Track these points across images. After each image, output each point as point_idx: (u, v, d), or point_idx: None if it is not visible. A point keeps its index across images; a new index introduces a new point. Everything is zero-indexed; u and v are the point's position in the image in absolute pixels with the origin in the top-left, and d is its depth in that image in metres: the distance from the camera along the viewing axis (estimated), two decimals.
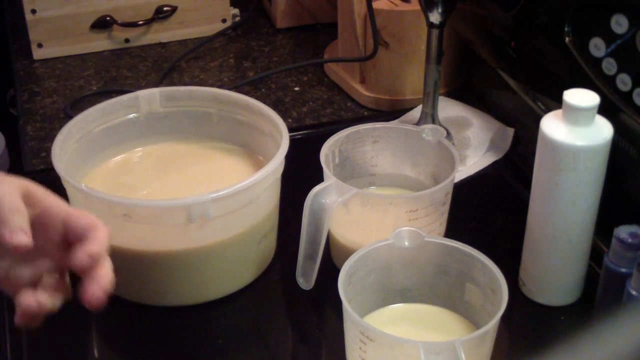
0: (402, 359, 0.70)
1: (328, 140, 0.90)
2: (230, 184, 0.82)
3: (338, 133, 0.91)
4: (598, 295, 0.83)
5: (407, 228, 0.78)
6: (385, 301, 0.82)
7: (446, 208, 0.88)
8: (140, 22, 1.33)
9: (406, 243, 0.78)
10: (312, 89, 1.25)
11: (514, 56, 1.00)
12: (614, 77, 0.84)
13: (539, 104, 0.99)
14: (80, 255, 0.65)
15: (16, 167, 1.23)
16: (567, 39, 0.89)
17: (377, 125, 0.93)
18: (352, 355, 0.74)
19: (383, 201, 0.85)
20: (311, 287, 0.84)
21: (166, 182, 0.96)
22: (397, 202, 0.86)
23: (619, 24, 0.82)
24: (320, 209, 0.82)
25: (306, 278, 0.84)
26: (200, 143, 1.01)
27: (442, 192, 0.86)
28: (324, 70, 1.28)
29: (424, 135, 0.91)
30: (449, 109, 1.15)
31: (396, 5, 1.14)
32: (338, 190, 0.83)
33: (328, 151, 0.89)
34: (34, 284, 0.66)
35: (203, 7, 1.36)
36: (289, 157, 0.88)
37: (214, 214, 0.82)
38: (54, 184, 0.86)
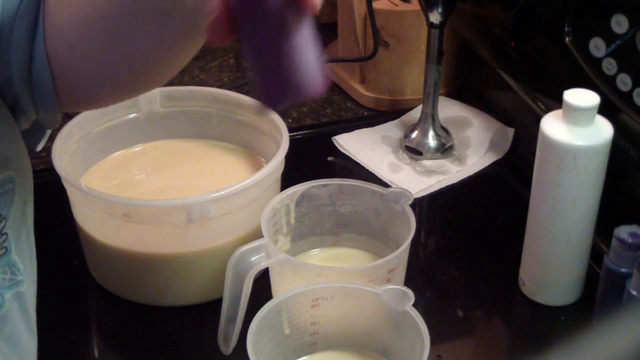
0: None
1: (279, 195, 0.84)
2: (230, 184, 0.82)
3: (291, 188, 0.85)
4: (598, 295, 0.83)
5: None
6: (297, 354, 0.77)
7: (396, 282, 0.80)
8: None
9: None
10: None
11: (514, 56, 1.00)
12: (614, 77, 0.84)
13: (539, 104, 0.99)
14: None
15: None
16: (567, 39, 0.89)
17: (336, 182, 0.86)
18: None
19: (311, 271, 0.78)
20: (230, 352, 0.78)
21: (166, 182, 0.96)
22: (327, 274, 0.77)
23: (619, 24, 0.82)
24: (245, 270, 0.76)
25: (226, 342, 0.78)
26: (200, 143, 1.01)
27: (383, 268, 0.78)
28: None
29: (388, 198, 0.84)
30: (449, 109, 1.15)
31: (396, 5, 1.14)
32: (267, 252, 0.78)
33: (279, 206, 0.83)
34: None
35: None
36: (289, 157, 0.88)
37: (214, 214, 0.82)
38: (54, 184, 0.87)
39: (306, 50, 0.46)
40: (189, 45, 0.62)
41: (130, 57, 0.60)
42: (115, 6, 0.57)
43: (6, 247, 0.64)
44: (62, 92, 0.62)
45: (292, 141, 0.89)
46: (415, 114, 1.12)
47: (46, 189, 0.91)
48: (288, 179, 0.90)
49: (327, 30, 1.37)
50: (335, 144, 1.10)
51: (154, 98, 0.98)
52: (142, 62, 0.62)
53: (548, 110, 0.85)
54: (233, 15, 0.45)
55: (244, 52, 0.47)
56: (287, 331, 0.75)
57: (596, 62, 0.86)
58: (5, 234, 0.63)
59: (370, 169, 1.07)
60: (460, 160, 1.08)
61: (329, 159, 1.09)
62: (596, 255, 0.86)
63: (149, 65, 0.62)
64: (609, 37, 0.84)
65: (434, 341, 0.69)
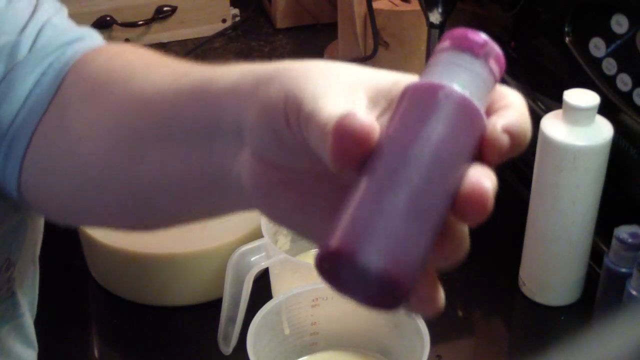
0: None
1: None
2: None
3: None
4: (598, 295, 0.83)
5: None
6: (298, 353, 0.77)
7: None
8: (140, 22, 1.33)
9: None
10: None
11: (514, 56, 1.00)
12: (614, 77, 0.84)
13: (539, 104, 0.99)
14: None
15: None
16: (567, 39, 0.89)
17: None
18: None
19: (312, 271, 0.78)
20: (230, 352, 0.78)
21: None
22: None
23: (619, 24, 0.82)
24: (245, 270, 0.76)
25: (226, 342, 0.78)
26: None
27: None
28: None
29: None
30: None
31: (396, 5, 1.14)
32: (267, 252, 0.77)
33: None
34: None
35: (203, 7, 1.36)
36: None
37: None
38: None
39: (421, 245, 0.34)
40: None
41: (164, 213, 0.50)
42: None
43: (13, 291, 0.63)
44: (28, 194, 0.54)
45: None
46: None
47: None
48: None
49: (327, 30, 1.38)
50: None
51: None
52: (172, 220, 0.52)
53: (548, 110, 0.85)
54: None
55: (355, 182, 0.34)
56: (287, 331, 0.75)
57: (596, 62, 0.86)
58: (13, 279, 0.62)
59: None
60: None
61: None
62: (596, 255, 0.86)
63: (175, 222, 0.52)
64: (609, 37, 0.84)
65: (434, 341, 0.69)
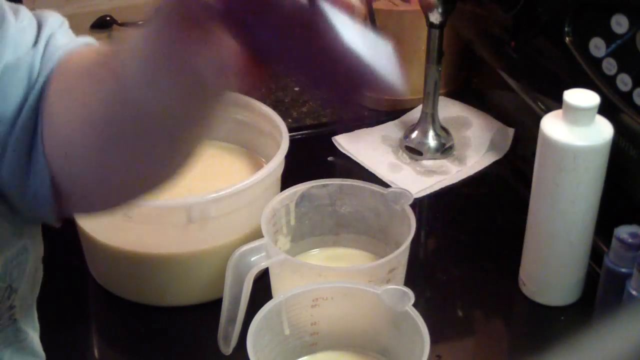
0: None
1: (279, 195, 0.84)
2: (230, 184, 0.82)
3: (291, 188, 0.85)
4: (598, 295, 0.83)
5: None
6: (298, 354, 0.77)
7: (396, 282, 0.80)
8: (140, 22, 1.32)
9: None
10: (312, 89, 1.25)
11: (514, 56, 1.00)
12: (614, 77, 0.84)
13: (539, 104, 0.99)
14: None
15: None
16: (567, 39, 0.89)
17: (336, 182, 0.86)
18: None
19: (312, 271, 0.78)
20: (230, 352, 0.79)
21: None
22: (327, 274, 0.77)
23: (619, 24, 0.82)
24: (245, 270, 0.76)
25: (226, 342, 0.78)
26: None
27: (384, 268, 0.78)
28: None
29: (388, 198, 0.84)
30: (449, 109, 1.15)
31: (396, 5, 1.14)
32: (267, 252, 0.78)
33: (279, 206, 0.83)
34: None
35: None
36: (289, 157, 0.88)
37: (214, 214, 0.82)
38: None
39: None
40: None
41: (123, 169, 0.56)
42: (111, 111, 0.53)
43: (15, 319, 0.63)
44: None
45: (292, 141, 0.89)
46: (415, 114, 1.12)
47: None
48: (288, 179, 0.90)
49: None
50: (335, 144, 1.10)
51: None
52: (135, 176, 0.57)
53: (548, 110, 0.85)
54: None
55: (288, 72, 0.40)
56: (287, 331, 0.75)
57: (596, 62, 0.86)
58: (15, 306, 0.62)
59: (370, 169, 1.07)
60: (460, 160, 1.08)
61: (329, 159, 1.09)
62: (596, 255, 0.86)
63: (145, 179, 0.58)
64: (609, 37, 0.84)
65: (434, 341, 0.69)
